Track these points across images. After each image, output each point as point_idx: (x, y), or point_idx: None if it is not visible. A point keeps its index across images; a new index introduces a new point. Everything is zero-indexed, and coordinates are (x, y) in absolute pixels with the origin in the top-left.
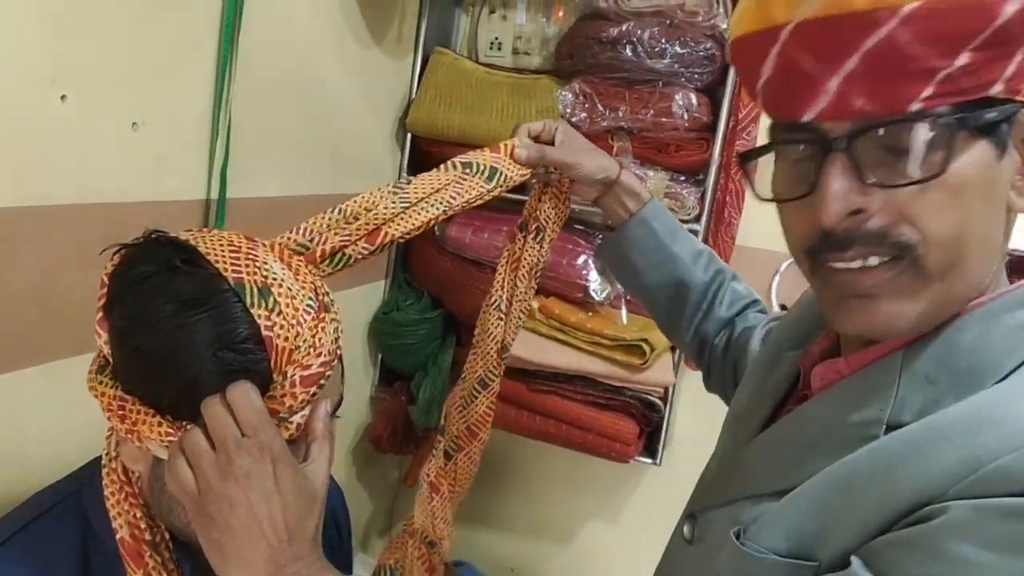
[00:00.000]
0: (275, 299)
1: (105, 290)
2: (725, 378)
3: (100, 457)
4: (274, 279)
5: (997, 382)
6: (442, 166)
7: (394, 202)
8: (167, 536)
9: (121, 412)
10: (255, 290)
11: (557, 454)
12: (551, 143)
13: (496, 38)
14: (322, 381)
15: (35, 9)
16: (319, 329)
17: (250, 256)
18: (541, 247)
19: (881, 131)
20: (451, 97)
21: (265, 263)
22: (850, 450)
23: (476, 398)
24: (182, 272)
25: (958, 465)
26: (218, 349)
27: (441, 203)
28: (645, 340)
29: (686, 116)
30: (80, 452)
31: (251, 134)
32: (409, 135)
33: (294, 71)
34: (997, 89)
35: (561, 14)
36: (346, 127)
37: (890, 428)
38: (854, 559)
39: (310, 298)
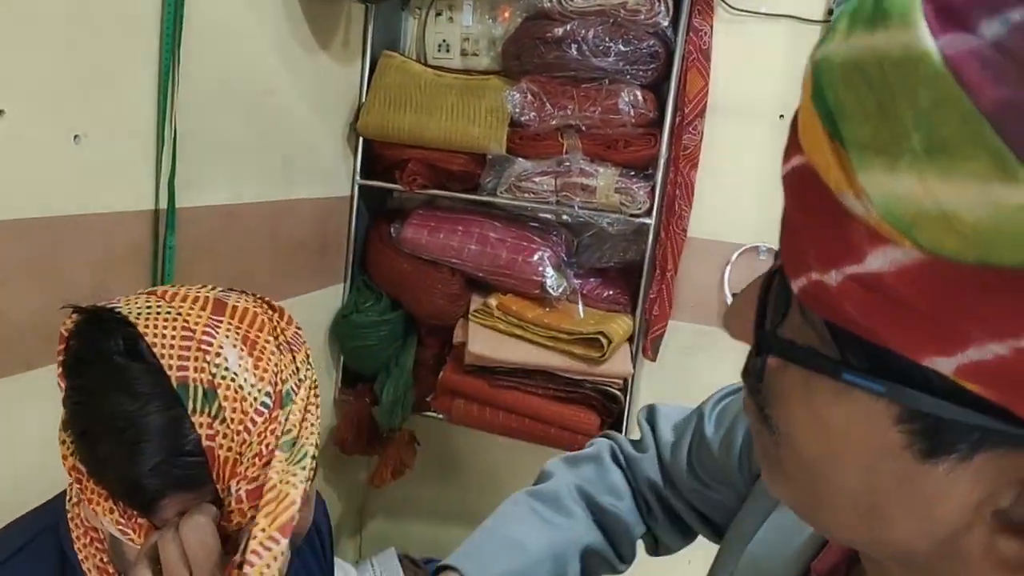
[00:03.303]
0: (220, 403)
1: (62, 349)
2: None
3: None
4: (223, 377)
5: None
6: None
7: None
8: None
9: (79, 483)
10: (199, 392)
11: (522, 448)
12: None
13: (444, 40)
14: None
15: None
16: (268, 433)
17: (202, 345)
18: None
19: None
20: (401, 99)
21: (219, 353)
22: None
23: None
24: (124, 364)
25: None
26: (160, 459)
27: None
28: (602, 333)
29: (632, 112)
30: (31, 472)
31: (199, 143)
32: (361, 139)
33: (240, 78)
34: (940, 366)
35: (507, 15)
36: (296, 133)
37: None
38: None
39: (266, 393)
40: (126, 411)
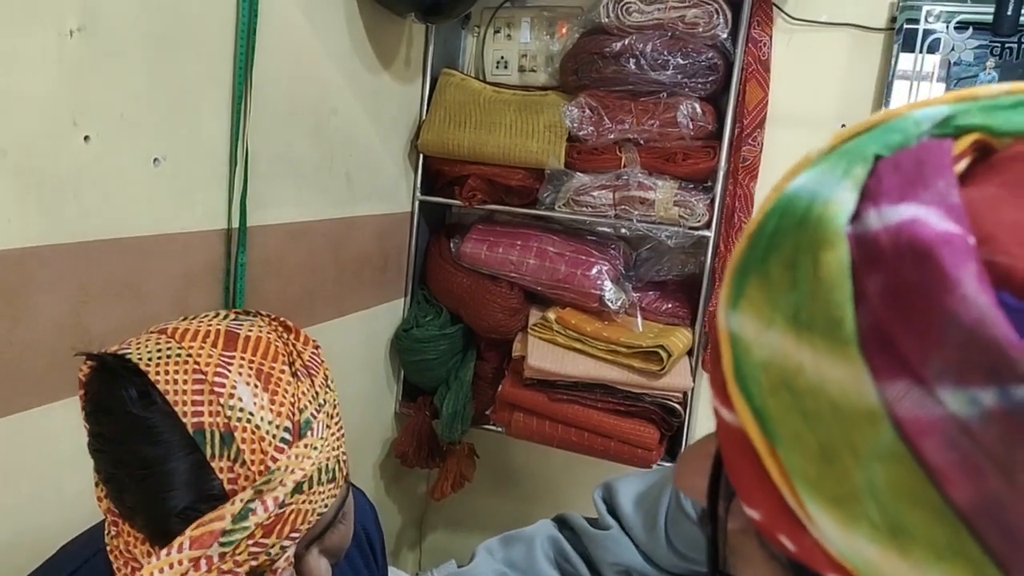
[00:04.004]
0: (238, 446)
1: (82, 395)
2: None
3: None
4: (239, 418)
5: None
6: None
7: None
8: None
9: (115, 526)
10: (216, 437)
11: (581, 462)
12: None
13: (502, 57)
14: (302, 525)
15: (53, 54)
16: (290, 464)
17: (215, 388)
18: None
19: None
20: (460, 117)
21: (232, 394)
22: None
23: None
24: (139, 413)
25: None
26: (186, 504)
27: None
28: (662, 346)
29: (691, 125)
30: None
31: (268, 163)
32: (421, 156)
33: (307, 100)
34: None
35: (564, 31)
36: (359, 151)
37: None
38: None
39: (285, 428)
40: (147, 459)
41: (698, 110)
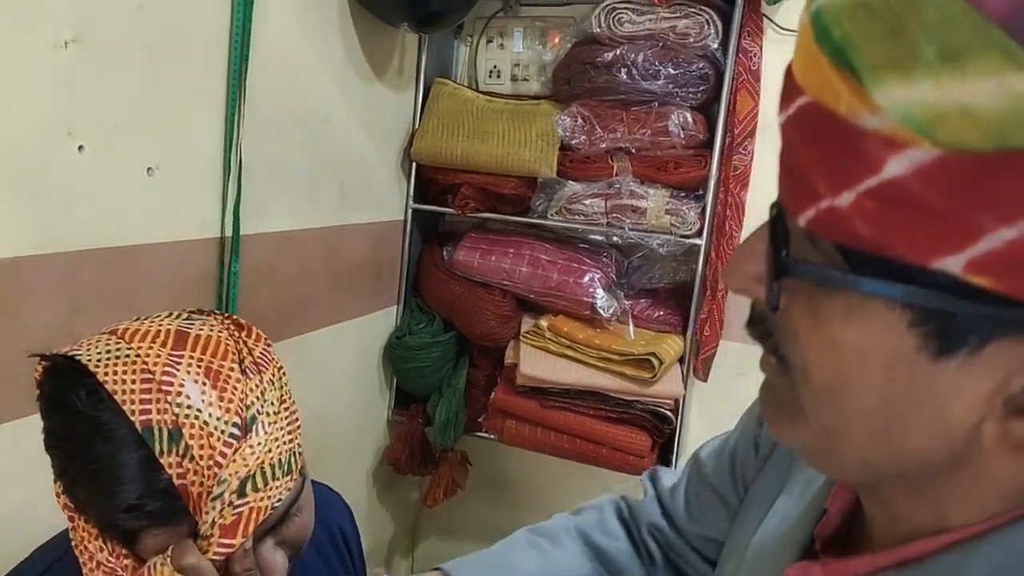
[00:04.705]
0: (186, 443)
1: (37, 395)
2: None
3: None
4: (187, 416)
5: None
6: None
7: None
8: None
9: (72, 521)
10: (164, 434)
11: (573, 469)
12: None
13: (495, 66)
14: (245, 528)
15: (48, 64)
16: (239, 462)
17: (163, 387)
18: None
19: (770, 221)
20: (453, 125)
21: (179, 392)
22: None
23: None
24: (88, 412)
25: None
26: (133, 499)
27: None
28: (653, 354)
29: (682, 134)
30: None
31: (262, 172)
32: (414, 164)
33: (300, 109)
34: (949, 266)
35: (556, 41)
36: (353, 160)
37: None
38: None
39: (233, 424)
40: (96, 455)
41: (689, 119)
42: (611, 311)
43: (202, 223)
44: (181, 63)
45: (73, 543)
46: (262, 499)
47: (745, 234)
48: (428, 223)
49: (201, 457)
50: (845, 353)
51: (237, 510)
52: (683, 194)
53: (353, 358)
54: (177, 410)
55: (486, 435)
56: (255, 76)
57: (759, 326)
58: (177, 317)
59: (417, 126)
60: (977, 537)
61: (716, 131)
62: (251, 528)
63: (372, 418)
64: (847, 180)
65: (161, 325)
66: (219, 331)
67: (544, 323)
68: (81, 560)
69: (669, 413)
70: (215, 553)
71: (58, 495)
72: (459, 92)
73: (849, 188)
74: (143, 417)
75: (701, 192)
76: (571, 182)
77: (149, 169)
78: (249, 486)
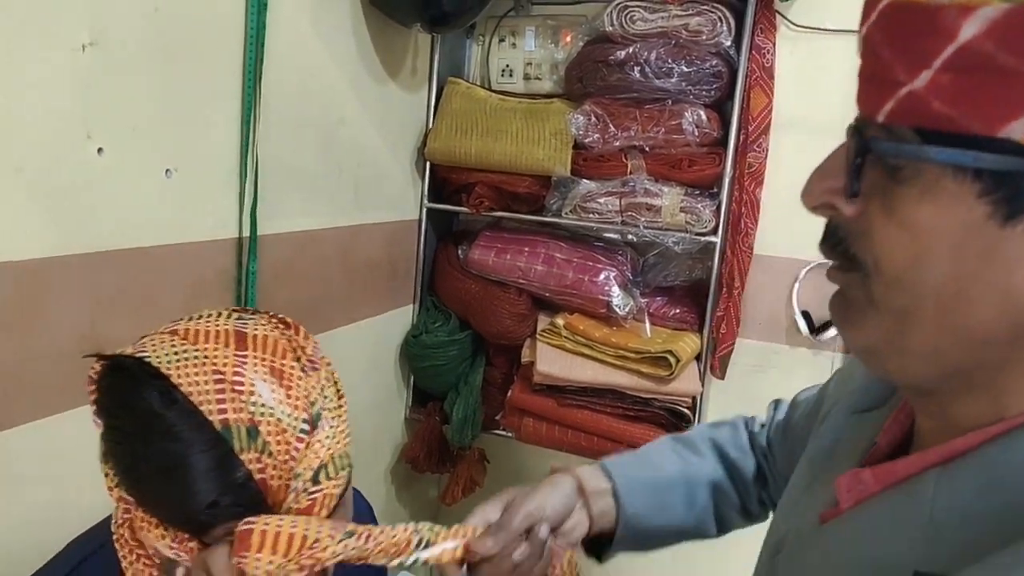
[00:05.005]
0: (264, 439)
1: (94, 391)
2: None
3: None
4: (261, 414)
5: None
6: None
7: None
8: None
9: (127, 513)
10: (242, 432)
11: None
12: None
13: (507, 65)
14: (320, 510)
15: (67, 67)
16: (312, 455)
17: (235, 387)
18: None
19: (850, 134)
20: (467, 125)
21: (252, 392)
22: None
23: None
24: (164, 413)
25: None
26: (214, 496)
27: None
28: (670, 352)
29: (696, 132)
30: None
31: (278, 173)
32: (428, 163)
33: (315, 110)
34: (1016, 132)
35: (568, 39)
36: (367, 160)
37: (919, 574)
38: None
39: (303, 420)
40: (172, 453)
41: (703, 117)
42: (627, 309)
43: (220, 224)
44: (197, 65)
45: (116, 536)
46: (333, 486)
47: (761, 231)
48: (443, 222)
49: (278, 452)
50: (918, 234)
51: (312, 496)
52: (698, 192)
53: (370, 357)
54: (252, 409)
55: (503, 433)
56: (270, 77)
57: (830, 239)
58: (228, 316)
59: (431, 126)
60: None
61: (730, 128)
62: (324, 513)
63: (390, 416)
64: (925, 58)
65: (218, 325)
66: (272, 330)
67: (560, 321)
68: (121, 552)
69: (686, 411)
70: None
71: (111, 488)
72: (472, 91)
73: (928, 66)
74: (220, 417)
75: (716, 190)
76: (585, 180)
77: (167, 171)
78: (322, 475)
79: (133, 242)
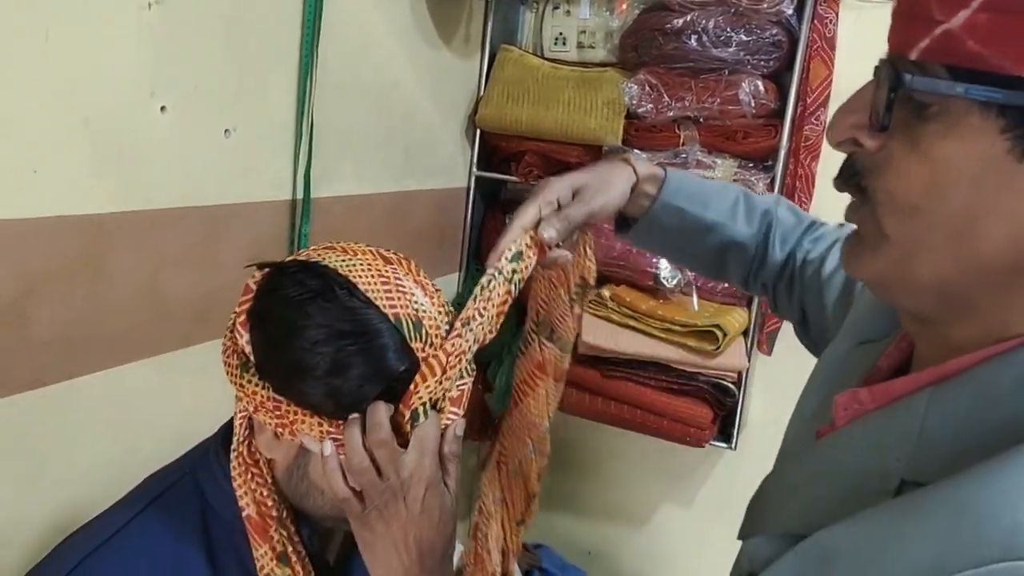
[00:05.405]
0: (427, 332)
1: (251, 298)
2: (796, 317)
3: (208, 439)
4: (423, 312)
5: None
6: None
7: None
8: (292, 512)
9: (277, 412)
10: (411, 324)
11: (632, 439)
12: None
13: (560, 33)
14: (464, 400)
15: (132, 27)
16: (458, 351)
17: (399, 288)
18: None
19: (881, 70)
20: (518, 93)
21: (412, 294)
22: (860, 503)
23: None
24: (340, 301)
25: (965, 562)
26: (383, 380)
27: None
28: (717, 326)
29: (753, 103)
30: (184, 436)
31: (332, 136)
32: (478, 131)
33: (370, 74)
34: None
35: (624, 7)
36: (418, 126)
37: (905, 483)
38: None
39: (447, 323)
40: (347, 340)
41: (760, 88)
42: (675, 282)
43: (275, 185)
44: (257, 26)
45: (236, 453)
46: (471, 382)
47: (815, 206)
48: (491, 191)
49: (436, 344)
50: (938, 166)
51: (461, 387)
52: (751, 164)
53: None
54: (416, 306)
55: None
56: (327, 42)
57: (846, 171)
58: (359, 244)
59: (482, 93)
60: (1011, 350)
61: (788, 100)
62: (467, 402)
63: None
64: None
65: (361, 247)
66: (395, 255)
67: (607, 292)
68: (236, 472)
69: (732, 386)
70: (447, 419)
71: (254, 394)
72: (524, 59)
73: (966, 6)
74: (392, 311)
75: (771, 162)
76: (637, 151)
77: (226, 131)
78: (465, 371)
79: (192, 201)
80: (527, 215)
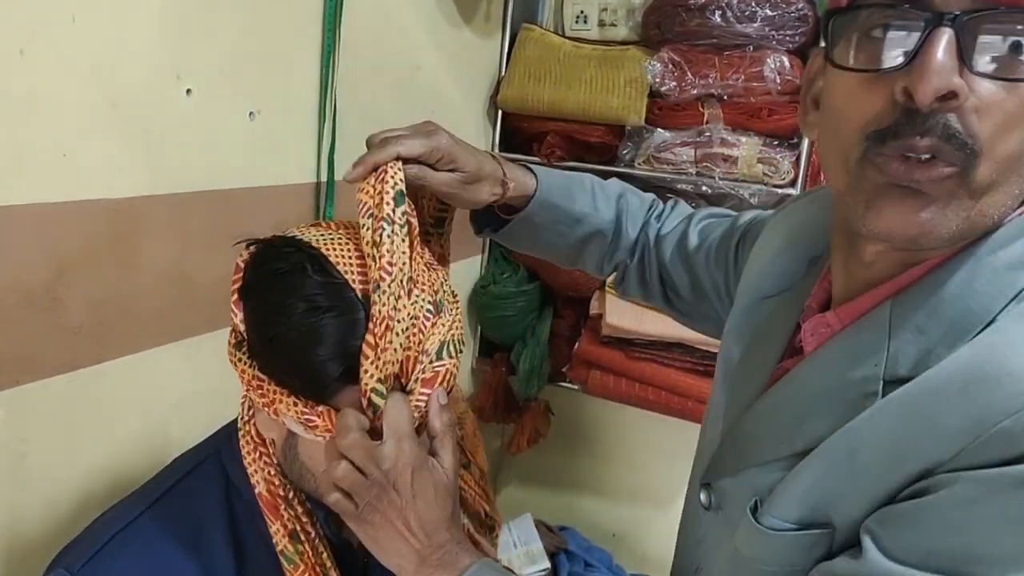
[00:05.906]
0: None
1: (240, 276)
2: (647, 287)
3: (233, 421)
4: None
5: (984, 328)
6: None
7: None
8: (300, 493)
9: (260, 390)
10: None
11: (657, 421)
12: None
13: (582, 11)
14: (442, 382)
15: (157, 9)
16: (435, 332)
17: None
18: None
19: (1002, 16)
20: (540, 72)
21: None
22: (851, 410)
23: None
24: (313, 277)
25: (960, 430)
26: (345, 358)
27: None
28: None
29: (778, 80)
30: (211, 417)
31: (354, 118)
32: (500, 111)
33: (391, 55)
34: None
35: None
36: (440, 106)
37: (887, 383)
38: (865, 538)
39: (430, 303)
40: (317, 313)
41: (786, 64)
42: None
43: (299, 168)
44: (280, 8)
45: (243, 431)
46: (452, 365)
47: None
48: None
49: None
50: None
51: (436, 369)
52: (776, 142)
53: None
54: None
55: (570, 385)
56: (349, 22)
57: (946, 130)
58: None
59: (503, 73)
60: (956, 256)
61: None
62: (445, 384)
63: None
64: None
65: (346, 222)
66: None
67: None
68: (245, 450)
69: None
70: (416, 401)
71: (244, 371)
72: (546, 38)
73: None
74: (362, 286)
75: (796, 140)
76: (660, 130)
77: (251, 113)
78: (445, 352)
79: (219, 184)
80: (413, 148)
